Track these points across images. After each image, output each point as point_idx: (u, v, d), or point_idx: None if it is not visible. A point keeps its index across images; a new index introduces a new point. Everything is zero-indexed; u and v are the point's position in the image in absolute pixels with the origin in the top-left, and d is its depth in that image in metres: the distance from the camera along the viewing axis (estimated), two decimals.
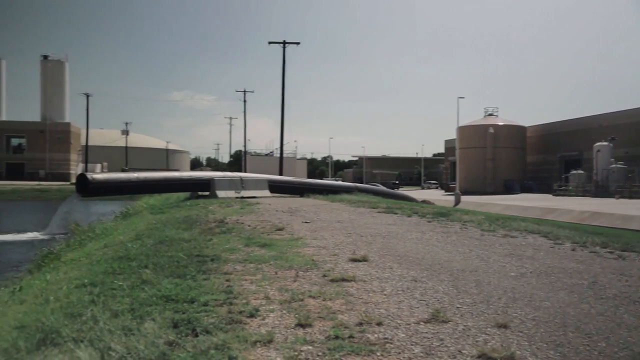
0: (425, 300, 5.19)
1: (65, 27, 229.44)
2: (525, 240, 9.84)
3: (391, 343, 3.94)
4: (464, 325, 4.39)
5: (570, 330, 4.35)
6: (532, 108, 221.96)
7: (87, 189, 21.15)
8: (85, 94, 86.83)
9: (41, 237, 23.05)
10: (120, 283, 5.87)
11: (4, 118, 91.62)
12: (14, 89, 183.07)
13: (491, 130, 65.58)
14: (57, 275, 8.08)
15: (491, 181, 65.74)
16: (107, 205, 38.81)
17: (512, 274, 6.61)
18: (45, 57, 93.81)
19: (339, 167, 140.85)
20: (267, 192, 25.55)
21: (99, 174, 25.06)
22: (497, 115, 71.24)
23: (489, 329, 4.32)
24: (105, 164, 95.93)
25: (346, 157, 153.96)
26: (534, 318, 4.65)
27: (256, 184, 25.63)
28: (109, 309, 4.80)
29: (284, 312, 4.71)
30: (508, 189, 62.34)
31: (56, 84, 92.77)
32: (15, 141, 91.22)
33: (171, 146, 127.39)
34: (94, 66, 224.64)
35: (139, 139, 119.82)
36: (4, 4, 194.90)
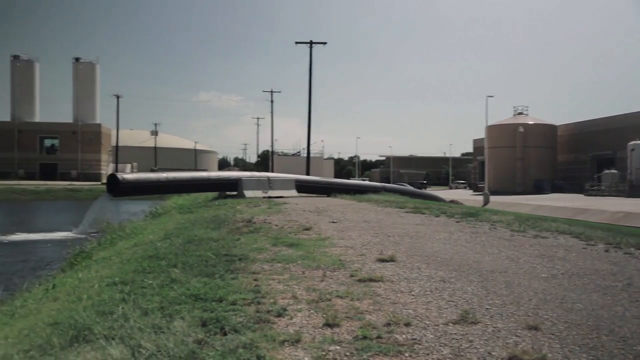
0: (454, 301, 5.13)
1: (96, 29, 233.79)
2: (557, 241, 9.67)
3: (419, 344, 3.91)
4: (494, 327, 4.33)
5: (603, 333, 4.26)
6: (562, 107, 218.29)
7: (118, 188, 21.50)
8: (115, 95, 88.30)
9: (73, 235, 23.50)
10: (150, 282, 5.95)
11: (37, 119, 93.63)
12: (47, 91, 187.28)
13: (521, 129, 64.61)
14: (89, 274, 8.22)
15: (521, 181, 64.80)
16: (137, 205, 39.39)
17: (543, 275, 6.51)
18: (77, 59, 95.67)
19: (366, 167, 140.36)
20: (294, 192, 25.60)
21: (129, 174, 25.45)
22: (527, 114, 70.13)
23: (519, 330, 4.25)
24: (134, 164, 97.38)
25: (373, 157, 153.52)
26: (566, 320, 4.56)
27: (283, 184, 25.70)
28: (139, 307, 4.86)
29: (312, 311, 4.71)
30: (538, 189, 61.36)
31: (88, 86, 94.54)
32: (48, 142, 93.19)
33: (199, 146, 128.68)
34: (124, 68, 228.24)
35: (167, 140, 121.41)
36: (38, 8, 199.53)
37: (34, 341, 4.38)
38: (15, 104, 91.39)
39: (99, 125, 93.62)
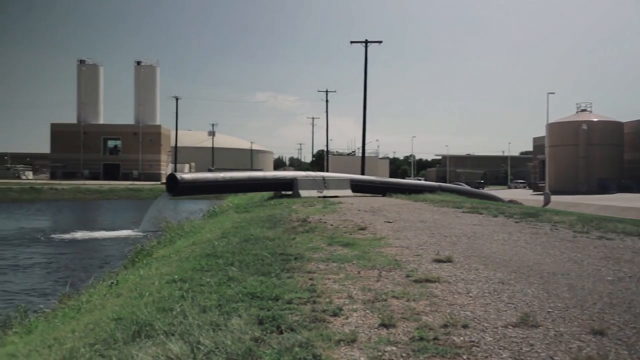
0: (513, 304, 4.99)
1: (156, 33, 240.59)
2: (623, 243, 9.26)
3: (478, 346, 3.82)
4: (556, 331, 4.18)
5: None
6: (629, 103, 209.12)
7: (177, 188, 22.05)
8: (174, 97, 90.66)
9: (134, 234, 24.27)
10: (208, 280, 6.07)
11: (101, 121, 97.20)
12: (111, 93, 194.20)
13: (584, 126, 62.35)
14: (149, 271, 8.45)
15: (584, 180, 62.54)
16: (195, 204, 40.30)
17: (609, 278, 6.24)
18: (139, 63, 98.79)
19: (422, 166, 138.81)
20: (349, 192, 25.59)
21: (187, 174, 26.02)
22: (590, 111, 67.65)
23: (583, 335, 4.09)
24: (193, 164, 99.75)
25: (429, 156, 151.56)
26: (635, 326, 4.35)
27: (338, 184, 25.72)
28: (198, 305, 4.96)
29: (367, 311, 4.69)
30: (603, 189, 59.02)
31: (148, 88, 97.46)
32: (111, 143, 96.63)
33: (255, 146, 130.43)
34: (182, 70, 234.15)
35: (224, 140, 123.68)
36: (102, 15, 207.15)
37: (98, 335, 4.54)
38: (81, 107, 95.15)
39: (159, 126, 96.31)
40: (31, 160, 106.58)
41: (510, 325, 4.31)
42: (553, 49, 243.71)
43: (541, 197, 43.96)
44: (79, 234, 26.24)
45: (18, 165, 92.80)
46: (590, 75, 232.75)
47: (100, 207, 52.10)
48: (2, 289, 14.08)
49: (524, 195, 52.84)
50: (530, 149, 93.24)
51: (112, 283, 8.39)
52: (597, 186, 60.50)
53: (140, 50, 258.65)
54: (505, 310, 4.76)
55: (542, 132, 65.82)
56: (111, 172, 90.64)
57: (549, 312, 4.72)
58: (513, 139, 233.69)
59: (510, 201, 33.57)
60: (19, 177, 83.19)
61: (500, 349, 3.77)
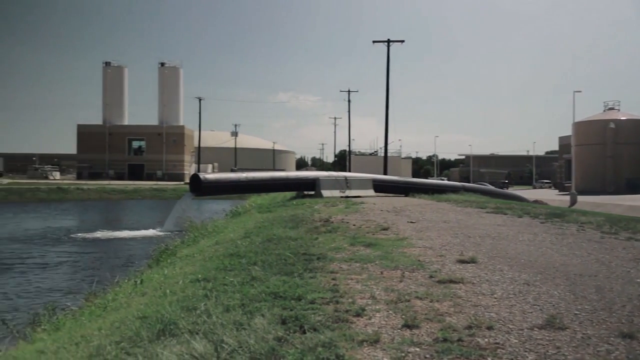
0: (539, 305, 4.92)
1: (179, 34, 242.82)
2: None
3: (503, 348, 3.78)
4: (583, 334, 4.11)
5: None
6: None
7: (200, 188, 22.24)
8: (197, 97, 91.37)
9: (158, 233, 24.53)
10: (231, 279, 6.10)
11: (126, 122, 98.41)
12: (135, 94, 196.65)
13: (612, 125, 61.29)
14: (173, 270, 8.54)
15: (611, 180, 61.46)
16: (218, 204, 40.58)
17: (638, 280, 6.12)
18: (163, 64, 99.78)
19: (445, 166, 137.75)
20: (371, 192, 25.53)
21: (210, 174, 26.24)
22: (618, 109, 66.47)
23: (612, 338, 4.01)
24: (216, 164, 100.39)
25: (452, 156, 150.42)
26: None
27: (360, 184, 25.67)
28: (221, 304, 4.99)
29: (390, 312, 4.67)
30: (632, 188, 57.87)
31: (172, 89, 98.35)
32: (135, 144, 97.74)
33: (277, 146, 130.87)
34: (205, 71, 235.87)
35: (247, 140, 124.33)
36: (126, 17, 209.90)
37: (124, 333, 4.60)
38: (106, 108, 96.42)
39: (182, 127, 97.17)
40: (58, 161, 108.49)
41: (536, 327, 4.25)
42: (580, 46, 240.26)
43: (567, 197, 43.34)
44: (105, 234, 26.61)
45: (46, 166, 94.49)
46: (617, 73, 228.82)
47: (125, 207, 52.77)
48: (31, 287, 14.35)
49: (550, 196, 52.13)
50: (556, 148, 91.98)
51: (137, 282, 8.48)
52: (625, 186, 59.38)
53: (164, 52, 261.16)
54: (531, 312, 4.69)
55: (568, 131, 64.89)
56: (136, 172, 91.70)
57: (576, 314, 4.64)
58: (538, 139, 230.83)
59: (536, 201, 33.14)
60: (46, 178, 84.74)
61: (526, 352, 3.72)
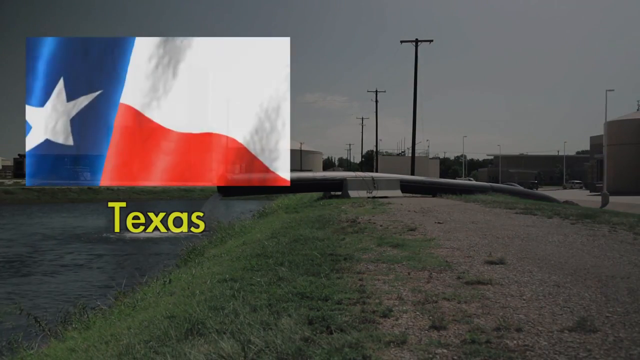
0: (569, 307, 4.84)
1: (208, 35, 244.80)
2: None
3: (532, 351, 3.72)
4: (615, 336, 4.03)
5: None
6: None
7: (228, 189, 22.40)
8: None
9: (186, 234, 24.75)
10: (258, 279, 6.14)
11: None
12: None
13: None
14: (201, 270, 8.62)
15: None
16: (246, 204, 40.83)
17: None
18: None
19: (473, 167, 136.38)
20: (398, 192, 25.39)
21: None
22: None
23: None
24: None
25: (480, 156, 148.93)
26: None
27: (388, 184, 25.55)
28: (248, 304, 5.02)
29: (418, 313, 4.64)
30: None
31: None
32: None
33: (304, 147, 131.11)
34: None
35: None
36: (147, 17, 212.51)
37: (153, 332, 4.66)
38: None
39: None
40: None
41: (567, 330, 4.17)
42: (611, 44, 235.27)
43: (599, 198, 42.44)
44: (135, 234, 26.95)
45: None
46: None
47: (154, 208, 53.46)
48: (62, 286, 14.65)
49: (581, 196, 51.16)
50: (587, 148, 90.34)
51: (165, 281, 8.60)
52: None
53: None
54: (561, 314, 4.62)
55: (599, 130, 63.60)
56: None
57: (607, 316, 4.55)
58: (569, 138, 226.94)
59: (566, 202, 32.54)
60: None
61: (555, 354, 3.66)
